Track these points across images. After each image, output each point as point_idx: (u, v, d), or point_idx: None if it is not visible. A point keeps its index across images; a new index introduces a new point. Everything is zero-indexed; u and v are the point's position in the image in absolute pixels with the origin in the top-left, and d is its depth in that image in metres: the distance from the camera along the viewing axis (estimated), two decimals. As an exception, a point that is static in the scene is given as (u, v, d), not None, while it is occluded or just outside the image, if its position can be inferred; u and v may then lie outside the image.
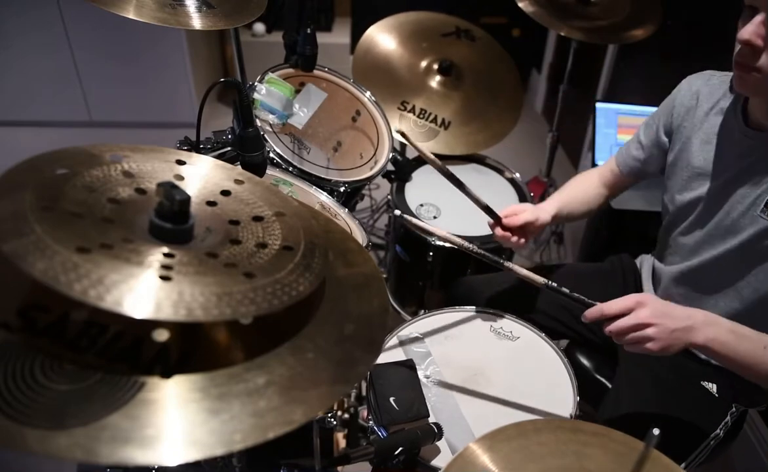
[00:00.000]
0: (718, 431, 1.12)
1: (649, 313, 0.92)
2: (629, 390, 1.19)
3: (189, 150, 1.11)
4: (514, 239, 1.28)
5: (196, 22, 1.18)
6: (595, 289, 1.26)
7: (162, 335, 0.54)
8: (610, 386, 1.32)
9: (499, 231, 1.29)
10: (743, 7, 0.95)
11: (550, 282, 1.03)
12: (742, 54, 0.95)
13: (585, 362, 1.38)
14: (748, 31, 0.92)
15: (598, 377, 1.34)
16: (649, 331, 0.92)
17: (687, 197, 1.16)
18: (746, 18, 0.94)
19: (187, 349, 0.55)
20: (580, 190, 1.40)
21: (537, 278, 1.05)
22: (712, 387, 1.15)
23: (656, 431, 0.55)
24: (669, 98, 1.24)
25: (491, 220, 1.29)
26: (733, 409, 1.15)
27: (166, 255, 0.55)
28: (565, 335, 1.39)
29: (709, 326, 0.94)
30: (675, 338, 0.93)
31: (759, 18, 0.91)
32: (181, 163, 0.69)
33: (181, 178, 0.67)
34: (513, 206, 1.31)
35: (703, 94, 1.16)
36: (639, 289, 1.35)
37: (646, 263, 1.38)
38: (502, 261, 1.07)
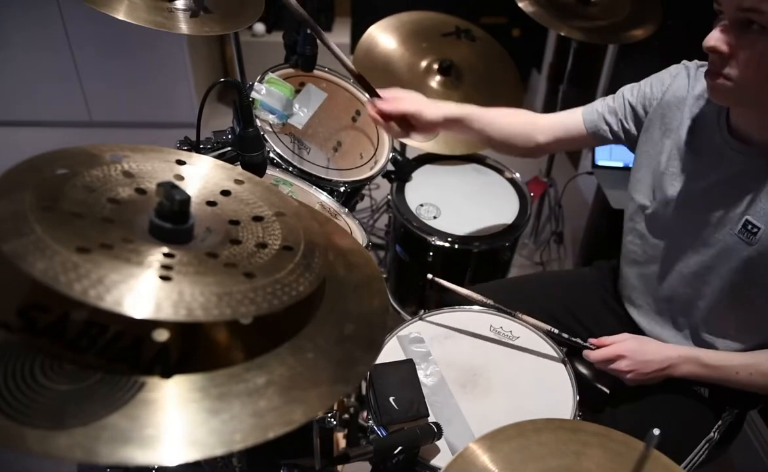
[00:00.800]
0: (711, 433, 1.13)
1: (625, 364, 1.10)
2: (626, 395, 1.19)
3: (189, 150, 1.11)
4: (392, 125, 1.23)
5: (192, 28, 1.18)
6: (574, 297, 1.32)
7: (162, 335, 0.54)
8: (608, 392, 1.31)
9: (371, 110, 1.23)
10: (715, 10, 0.92)
11: (552, 329, 1.18)
12: (711, 61, 0.93)
13: (583, 370, 1.37)
14: (714, 37, 0.90)
15: (597, 385, 1.34)
16: (627, 377, 1.11)
17: (659, 195, 1.11)
18: (717, 22, 0.92)
19: (187, 349, 0.55)
20: (507, 115, 1.30)
21: (542, 325, 1.19)
22: (705, 391, 1.14)
23: (656, 431, 0.56)
24: (660, 79, 1.17)
25: (368, 97, 1.23)
26: (726, 411, 1.15)
27: (166, 255, 0.55)
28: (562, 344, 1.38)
29: (684, 364, 1.09)
30: (651, 378, 1.10)
31: (722, 23, 0.90)
32: (181, 163, 0.69)
33: (181, 178, 0.68)
34: (399, 90, 1.23)
35: (693, 89, 1.10)
36: (615, 295, 1.32)
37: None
38: (514, 313, 1.20)
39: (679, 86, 1.13)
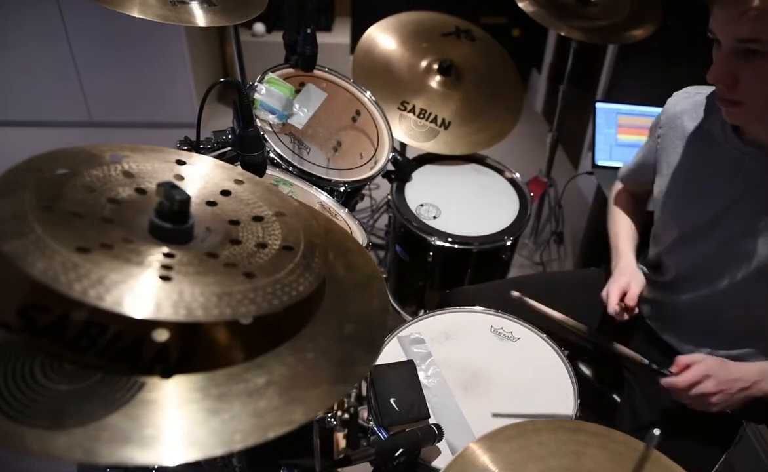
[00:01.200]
0: (732, 447, 1.12)
1: (712, 385, 0.99)
2: (643, 401, 1.18)
3: (189, 150, 1.11)
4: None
5: (198, 19, 1.18)
6: (580, 299, 1.28)
7: (162, 335, 0.54)
8: (613, 395, 1.31)
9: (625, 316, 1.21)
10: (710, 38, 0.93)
11: (643, 360, 1.08)
12: (719, 91, 0.94)
13: (586, 371, 1.37)
14: (714, 73, 0.91)
15: (600, 385, 1.34)
16: (713, 399, 1.00)
17: (685, 222, 1.11)
18: (715, 49, 0.92)
19: (187, 349, 0.55)
20: (630, 229, 1.34)
21: (636, 356, 1.09)
22: None
23: (656, 431, 0.55)
24: (656, 118, 1.20)
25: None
26: (743, 425, 1.14)
27: (166, 255, 0.55)
28: (564, 346, 1.38)
29: (763, 382, 1.00)
30: (736, 400, 1.00)
31: (724, 52, 0.89)
32: (181, 163, 0.69)
33: (181, 178, 0.67)
34: (621, 286, 1.17)
35: (688, 114, 1.12)
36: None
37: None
38: (612, 345, 1.11)
39: (669, 116, 1.16)
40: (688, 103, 1.13)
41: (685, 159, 1.11)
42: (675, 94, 1.17)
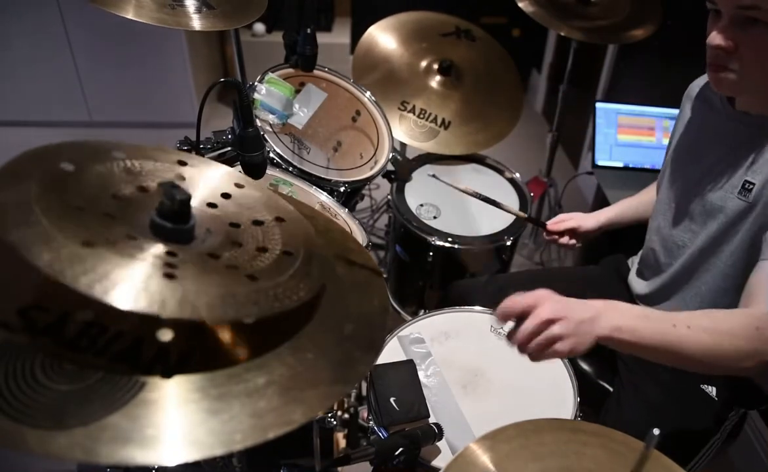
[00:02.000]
0: (718, 434, 1.13)
1: (549, 309, 0.83)
2: (630, 394, 1.19)
3: (189, 150, 1.11)
4: (564, 239, 1.46)
5: (196, 23, 1.18)
6: (580, 293, 1.27)
7: (166, 335, 0.54)
8: (611, 390, 1.32)
9: (546, 236, 1.47)
10: (708, 8, 0.95)
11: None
12: (714, 55, 0.95)
13: (586, 367, 1.37)
14: (719, 37, 0.92)
15: (600, 382, 1.34)
16: (554, 328, 0.83)
17: (672, 184, 1.19)
18: (713, 19, 0.95)
19: (187, 349, 0.55)
20: (646, 193, 1.45)
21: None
22: (712, 390, 1.15)
23: (656, 431, 0.56)
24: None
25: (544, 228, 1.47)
26: (733, 412, 1.15)
27: (168, 254, 0.55)
28: None
29: (612, 311, 0.85)
30: (583, 333, 0.83)
31: (724, 21, 0.91)
32: (182, 163, 0.69)
33: (182, 178, 0.67)
34: (562, 215, 1.47)
35: (695, 90, 1.20)
36: (627, 290, 1.34)
37: (635, 260, 1.38)
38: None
39: (684, 100, 1.23)
40: (703, 79, 1.19)
41: (689, 128, 1.19)
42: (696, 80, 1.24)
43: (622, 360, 1.28)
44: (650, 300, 1.25)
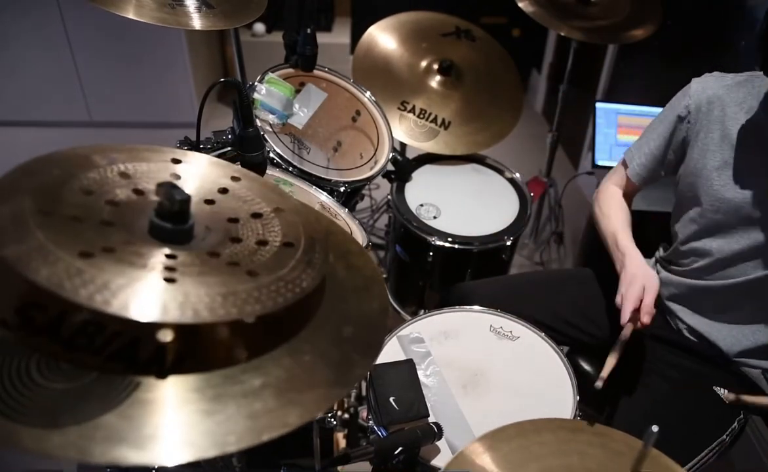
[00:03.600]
0: (724, 436, 1.13)
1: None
2: (644, 394, 1.19)
3: (189, 150, 1.11)
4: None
5: (196, 23, 1.18)
6: (584, 294, 1.33)
7: (167, 336, 0.54)
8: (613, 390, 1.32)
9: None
10: None
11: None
12: None
13: (587, 367, 1.38)
14: None
15: (596, 383, 1.34)
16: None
17: (718, 203, 1.12)
18: None
19: (183, 349, 0.55)
20: (625, 212, 1.36)
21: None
22: (723, 392, 1.14)
23: (655, 428, 0.55)
24: (676, 103, 1.21)
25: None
26: (741, 415, 1.15)
27: (168, 256, 0.55)
28: (563, 342, 1.37)
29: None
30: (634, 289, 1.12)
31: None
32: (177, 161, 0.69)
33: (177, 177, 0.67)
34: (636, 296, 1.14)
35: (722, 95, 1.13)
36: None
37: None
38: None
39: (700, 98, 1.16)
40: (722, 88, 1.13)
41: (724, 141, 1.12)
42: (695, 80, 1.18)
43: (636, 361, 1.27)
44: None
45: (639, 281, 1.14)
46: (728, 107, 1.12)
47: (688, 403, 1.15)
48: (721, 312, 1.18)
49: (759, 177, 1.08)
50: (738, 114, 1.11)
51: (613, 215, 1.32)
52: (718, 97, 1.13)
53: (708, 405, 1.14)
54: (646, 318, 1.11)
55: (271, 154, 1.37)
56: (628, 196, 1.38)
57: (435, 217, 1.69)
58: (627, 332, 1.14)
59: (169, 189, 0.56)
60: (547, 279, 1.50)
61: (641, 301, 1.12)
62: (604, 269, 1.44)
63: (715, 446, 1.12)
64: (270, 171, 1.37)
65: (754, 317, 1.15)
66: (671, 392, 1.15)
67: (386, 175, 1.75)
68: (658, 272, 1.31)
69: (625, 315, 1.12)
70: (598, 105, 2.01)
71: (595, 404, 1.33)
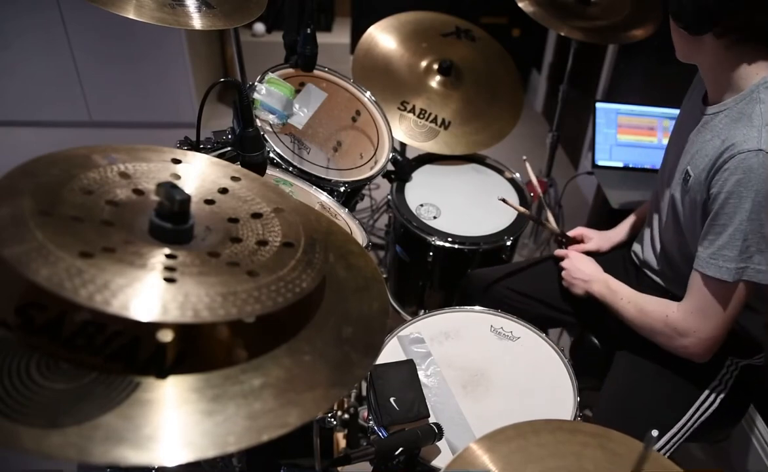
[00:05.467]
0: (716, 380, 1.18)
1: (566, 262, 1.40)
2: (628, 357, 1.27)
3: (189, 150, 1.11)
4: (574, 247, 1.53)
5: (196, 22, 1.18)
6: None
7: (167, 336, 0.54)
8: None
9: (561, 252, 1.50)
10: None
11: (559, 231, 1.52)
12: None
13: (597, 342, 1.43)
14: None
15: (595, 341, 1.44)
16: (562, 273, 1.40)
17: (660, 175, 1.29)
18: None
19: (183, 349, 0.55)
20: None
21: (555, 227, 1.52)
22: None
23: (655, 433, 0.55)
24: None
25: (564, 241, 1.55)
26: (729, 361, 1.18)
27: (168, 256, 0.55)
28: (568, 323, 1.52)
29: (598, 283, 1.30)
30: (574, 284, 1.36)
31: None
32: (177, 161, 0.69)
33: (177, 177, 0.67)
34: (581, 230, 1.55)
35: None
36: (639, 274, 1.40)
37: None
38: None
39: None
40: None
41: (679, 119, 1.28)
42: None
43: (621, 340, 1.32)
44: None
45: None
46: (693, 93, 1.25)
47: (670, 365, 1.18)
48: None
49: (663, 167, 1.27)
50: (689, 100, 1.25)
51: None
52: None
53: (684, 365, 1.16)
54: (574, 232, 1.54)
55: (271, 154, 1.37)
56: None
57: (435, 217, 1.69)
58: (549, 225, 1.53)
59: (169, 189, 0.56)
60: (548, 268, 1.54)
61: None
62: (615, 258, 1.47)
63: (709, 395, 1.17)
64: (270, 171, 1.37)
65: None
66: (657, 356, 1.19)
67: (386, 175, 1.75)
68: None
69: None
70: (598, 105, 2.01)
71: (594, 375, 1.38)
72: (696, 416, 1.17)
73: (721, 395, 1.17)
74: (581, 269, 1.35)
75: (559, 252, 1.47)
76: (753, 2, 0.95)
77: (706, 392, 1.17)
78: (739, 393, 1.19)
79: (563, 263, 1.41)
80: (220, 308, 0.51)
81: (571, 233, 1.55)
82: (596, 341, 1.43)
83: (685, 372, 1.17)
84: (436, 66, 1.93)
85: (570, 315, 1.46)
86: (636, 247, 1.41)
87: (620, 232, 1.52)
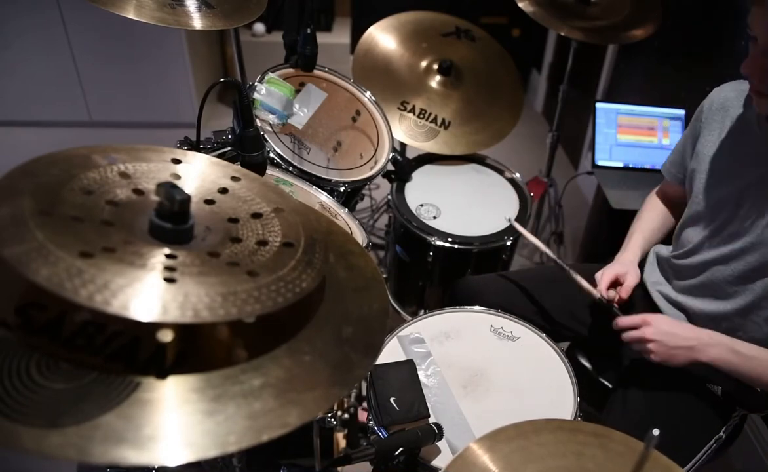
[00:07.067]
0: (721, 433, 1.13)
1: (651, 331, 1.08)
2: (636, 390, 1.19)
3: (189, 150, 1.11)
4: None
5: (196, 22, 1.18)
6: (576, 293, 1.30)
7: (167, 336, 0.54)
8: (610, 386, 1.32)
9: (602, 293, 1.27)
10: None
11: (599, 297, 1.22)
12: (750, 82, 1.00)
13: (586, 363, 1.38)
14: (746, 65, 0.97)
15: (600, 379, 1.35)
16: (650, 346, 1.08)
17: (708, 199, 1.16)
18: (752, 46, 0.97)
19: (183, 349, 0.55)
20: (655, 219, 1.41)
21: (592, 290, 1.24)
22: (717, 390, 1.15)
23: (656, 432, 0.55)
24: (699, 108, 1.26)
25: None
26: (736, 412, 1.15)
27: (168, 256, 0.55)
28: (566, 337, 1.40)
29: (712, 347, 1.06)
30: (675, 355, 1.07)
31: (757, 50, 0.95)
32: (177, 161, 0.69)
33: (177, 177, 0.67)
34: (609, 273, 1.26)
35: (732, 98, 1.17)
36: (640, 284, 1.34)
37: (651, 253, 1.38)
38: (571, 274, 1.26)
39: (713, 100, 1.21)
40: (734, 92, 1.18)
41: (721, 141, 1.16)
42: (721, 85, 1.23)
43: (629, 357, 1.28)
44: (680, 305, 1.24)
45: (616, 266, 1.27)
46: (732, 109, 1.16)
47: (685, 400, 1.15)
48: (701, 296, 1.19)
49: (729, 181, 1.12)
50: (737, 118, 1.15)
51: (643, 216, 1.41)
52: (728, 99, 1.17)
53: (703, 402, 1.14)
54: (624, 293, 1.23)
55: (271, 154, 1.37)
56: (670, 200, 1.40)
57: (435, 218, 1.69)
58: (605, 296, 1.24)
59: (169, 189, 0.56)
60: (535, 276, 1.50)
61: (619, 281, 1.25)
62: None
63: (712, 443, 1.12)
64: (270, 171, 1.37)
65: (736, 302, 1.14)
66: (669, 390, 1.16)
67: (386, 175, 1.75)
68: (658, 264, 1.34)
69: (601, 286, 1.23)
70: (598, 105, 2.01)
71: (596, 403, 1.33)
72: (703, 455, 1.13)
73: (720, 443, 1.13)
74: (677, 334, 1.08)
75: (624, 321, 1.13)
76: None
77: (708, 444, 1.12)
78: (730, 437, 1.17)
79: (648, 335, 1.08)
80: (220, 308, 0.51)
81: (602, 283, 1.24)
82: (587, 364, 1.38)
83: (691, 421, 1.14)
84: (436, 66, 1.93)
85: (567, 330, 1.39)
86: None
87: (635, 252, 1.34)
